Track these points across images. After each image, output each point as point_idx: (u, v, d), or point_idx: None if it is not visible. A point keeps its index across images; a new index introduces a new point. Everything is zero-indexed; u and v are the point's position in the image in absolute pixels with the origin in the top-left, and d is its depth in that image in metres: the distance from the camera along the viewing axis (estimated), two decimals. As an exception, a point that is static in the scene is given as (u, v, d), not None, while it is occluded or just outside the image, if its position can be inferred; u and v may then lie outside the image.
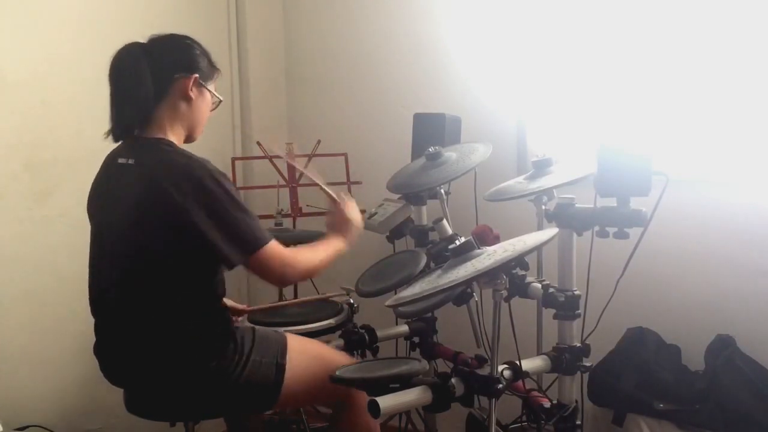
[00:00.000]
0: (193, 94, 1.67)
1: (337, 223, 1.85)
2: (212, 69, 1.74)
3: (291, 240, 2.49)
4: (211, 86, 1.74)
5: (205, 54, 1.73)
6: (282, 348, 1.71)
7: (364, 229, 2.20)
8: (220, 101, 1.79)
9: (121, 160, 1.66)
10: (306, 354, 1.75)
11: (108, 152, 1.73)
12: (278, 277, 1.66)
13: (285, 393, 1.68)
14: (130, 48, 1.64)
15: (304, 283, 2.70)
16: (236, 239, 1.56)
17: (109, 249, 1.64)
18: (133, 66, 1.62)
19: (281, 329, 1.94)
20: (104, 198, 1.68)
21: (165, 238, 1.55)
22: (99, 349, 1.71)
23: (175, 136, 1.67)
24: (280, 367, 1.67)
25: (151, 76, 1.62)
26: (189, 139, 1.74)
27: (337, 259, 1.79)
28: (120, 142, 1.70)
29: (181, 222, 1.53)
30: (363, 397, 1.74)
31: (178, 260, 1.57)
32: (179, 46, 1.70)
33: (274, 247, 1.61)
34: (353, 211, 1.88)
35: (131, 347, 1.64)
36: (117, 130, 1.66)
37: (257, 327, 1.78)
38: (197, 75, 1.68)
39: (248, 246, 1.57)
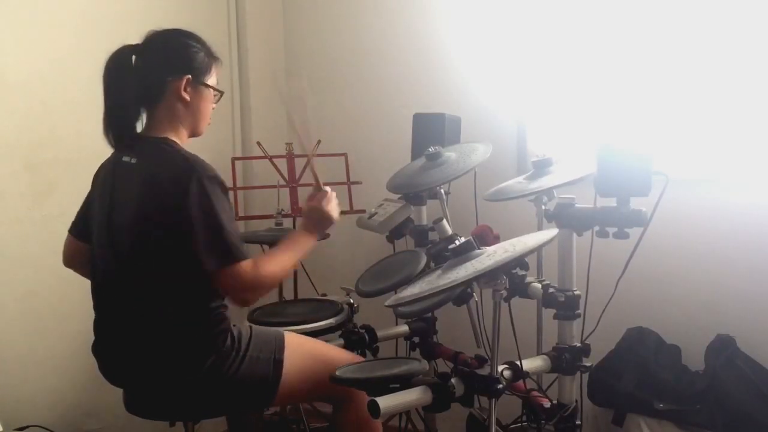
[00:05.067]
0: (188, 94, 1.67)
1: (317, 211, 1.76)
2: (210, 62, 1.72)
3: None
4: (210, 80, 1.72)
5: (201, 48, 1.71)
6: (279, 344, 1.71)
7: (363, 229, 2.21)
8: (222, 93, 1.78)
9: (125, 159, 1.66)
10: (304, 350, 1.75)
11: (108, 152, 1.73)
12: (241, 297, 1.60)
13: (283, 389, 1.68)
14: (117, 55, 1.65)
15: (305, 282, 2.72)
16: (217, 246, 1.53)
17: (112, 247, 1.64)
18: (116, 75, 1.64)
19: (281, 329, 1.95)
20: (107, 195, 1.68)
21: (162, 236, 1.55)
22: (97, 348, 1.71)
23: (177, 136, 1.68)
24: (278, 363, 1.68)
25: (140, 82, 1.63)
26: (193, 134, 1.74)
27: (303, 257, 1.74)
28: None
29: (176, 219, 1.53)
30: (363, 395, 1.74)
31: (174, 258, 1.57)
32: (171, 46, 1.69)
33: (248, 265, 1.56)
34: (333, 206, 1.79)
35: (128, 344, 1.64)
36: (111, 139, 1.68)
37: (254, 325, 1.78)
38: (189, 76, 1.67)
39: (227, 256, 1.54)
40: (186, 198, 1.52)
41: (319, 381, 1.71)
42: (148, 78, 1.64)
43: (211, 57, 1.73)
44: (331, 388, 1.72)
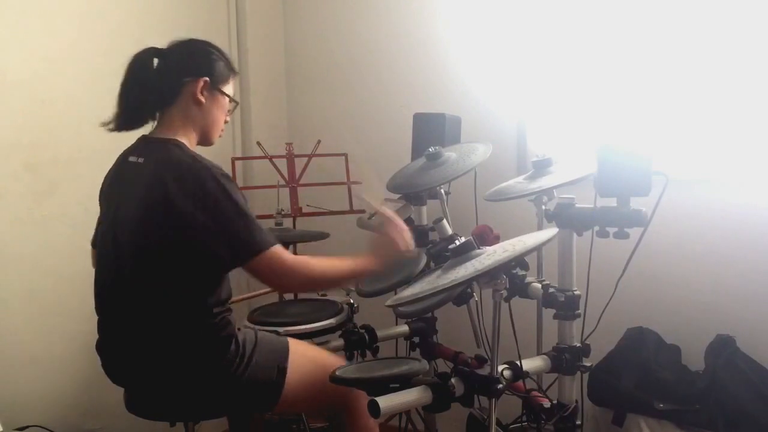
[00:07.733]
0: (203, 97, 1.68)
1: (384, 244, 1.71)
2: (228, 72, 1.74)
3: (291, 240, 2.51)
4: (227, 89, 1.74)
5: (222, 57, 1.74)
6: (284, 352, 1.71)
7: (364, 229, 2.21)
8: (237, 104, 1.80)
9: (131, 159, 1.67)
10: (308, 360, 1.75)
11: (108, 151, 1.73)
12: (276, 283, 1.64)
13: (285, 397, 1.68)
14: (140, 55, 1.67)
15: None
16: (235, 244, 1.55)
17: (115, 246, 1.64)
18: (141, 69, 1.65)
19: (282, 329, 1.95)
20: (114, 195, 1.69)
21: (168, 238, 1.55)
22: (101, 347, 1.71)
23: (186, 138, 1.68)
24: (282, 371, 1.68)
25: (161, 80, 1.65)
26: (204, 142, 1.75)
27: (360, 278, 1.73)
28: (134, 141, 1.72)
29: (183, 223, 1.53)
30: (362, 405, 1.74)
31: (180, 260, 1.57)
32: (193, 50, 1.72)
33: (276, 252, 1.57)
34: (403, 235, 1.73)
35: (132, 345, 1.64)
36: (123, 119, 1.67)
37: (259, 331, 1.78)
38: (207, 79, 1.68)
39: (247, 250, 1.55)
40: (207, 198, 1.53)
41: (320, 391, 1.71)
42: (167, 78, 1.66)
43: (230, 69, 1.76)
44: (332, 399, 1.74)
